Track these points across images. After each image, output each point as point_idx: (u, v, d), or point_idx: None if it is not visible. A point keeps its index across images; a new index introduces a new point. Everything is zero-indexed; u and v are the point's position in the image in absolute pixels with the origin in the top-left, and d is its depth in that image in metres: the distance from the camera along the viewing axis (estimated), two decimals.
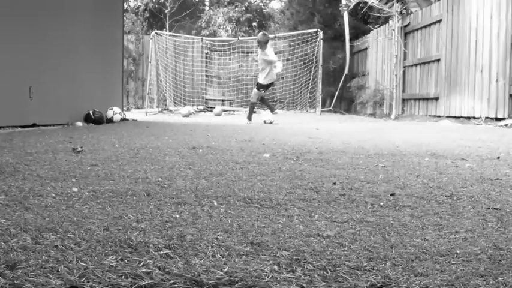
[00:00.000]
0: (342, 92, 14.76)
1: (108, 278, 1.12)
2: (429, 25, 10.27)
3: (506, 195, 2.19)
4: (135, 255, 1.28)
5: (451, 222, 1.70)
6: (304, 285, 1.11)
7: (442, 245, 1.42)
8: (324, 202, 1.99)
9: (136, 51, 16.81)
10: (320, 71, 13.93)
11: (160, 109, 14.48)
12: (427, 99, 10.34)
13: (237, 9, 20.68)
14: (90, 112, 7.62)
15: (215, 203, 1.93)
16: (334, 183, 2.41)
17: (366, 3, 12.52)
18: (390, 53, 11.88)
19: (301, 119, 11.45)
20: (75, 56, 7.60)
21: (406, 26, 11.31)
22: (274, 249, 1.35)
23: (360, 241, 1.45)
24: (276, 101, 15.75)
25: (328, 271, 1.19)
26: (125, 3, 16.52)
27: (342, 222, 1.67)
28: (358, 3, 12.92)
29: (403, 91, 11.51)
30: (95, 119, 7.58)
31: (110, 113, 8.06)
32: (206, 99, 16.41)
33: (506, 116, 7.71)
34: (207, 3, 24.82)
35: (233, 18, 20.39)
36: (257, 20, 22.04)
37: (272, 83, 9.42)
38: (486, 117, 8.20)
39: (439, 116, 9.70)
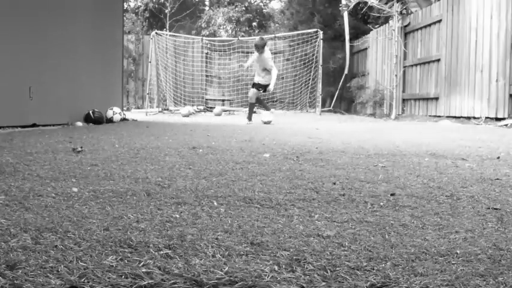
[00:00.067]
0: (342, 92, 14.76)
1: (108, 278, 1.12)
2: (429, 25, 10.28)
3: (506, 195, 2.19)
4: (135, 255, 1.28)
5: (451, 222, 1.70)
6: (304, 285, 1.11)
7: (442, 245, 1.42)
8: (324, 202, 1.99)
9: (136, 51, 16.81)
10: (320, 71, 13.93)
11: (160, 109, 14.48)
12: (427, 99, 10.34)
13: (237, 9, 20.69)
14: (90, 112, 7.62)
15: (215, 203, 1.93)
16: (334, 183, 2.41)
17: (366, 3, 12.52)
18: (390, 53, 11.88)
19: (301, 119, 11.45)
20: (75, 56, 7.60)
21: (406, 26, 11.31)
22: (274, 249, 1.35)
23: (360, 241, 1.45)
24: (276, 101, 15.75)
25: (328, 271, 1.19)
26: (124, 3, 16.52)
27: (342, 222, 1.67)
28: (358, 3, 12.92)
29: (403, 91, 11.51)
30: (95, 119, 7.59)
31: (110, 113, 8.06)
32: (206, 99, 16.41)
33: (506, 116, 7.71)
34: (207, 3, 24.83)
35: (233, 18, 20.40)
36: (257, 20, 22.05)
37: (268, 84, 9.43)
38: (486, 117, 8.20)
39: (439, 116, 9.71)
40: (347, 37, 14.15)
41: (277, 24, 21.10)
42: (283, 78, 15.48)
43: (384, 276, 1.17)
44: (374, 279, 1.15)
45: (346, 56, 14.31)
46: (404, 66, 11.39)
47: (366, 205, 1.95)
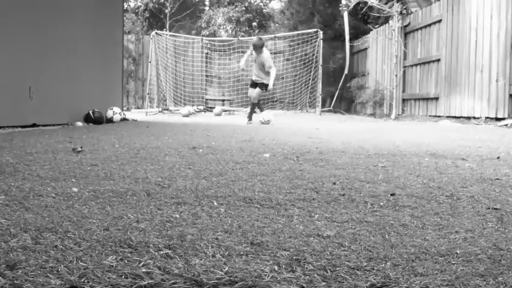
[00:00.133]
0: (342, 92, 14.76)
1: (108, 278, 1.12)
2: (429, 25, 10.27)
3: (506, 195, 2.19)
4: (135, 255, 1.28)
5: (451, 222, 1.70)
6: (304, 285, 1.11)
7: (442, 245, 1.42)
8: (324, 202, 1.99)
9: (136, 51, 16.81)
10: (320, 71, 13.93)
11: (160, 109, 14.48)
12: (427, 99, 10.34)
13: (237, 9, 20.69)
14: (90, 112, 7.62)
15: (215, 203, 1.93)
16: (334, 183, 2.41)
17: (366, 3, 12.52)
18: (390, 53, 11.88)
19: (301, 119, 11.45)
20: (75, 55, 7.60)
21: (406, 26, 11.31)
22: (274, 249, 1.35)
23: (360, 241, 1.45)
24: (276, 101, 15.76)
25: (328, 271, 1.19)
26: (124, 3, 16.52)
27: (342, 222, 1.67)
28: (358, 3, 12.92)
29: (403, 91, 11.51)
30: (95, 119, 7.59)
31: (110, 113, 8.06)
32: (206, 99, 16.41)
33: (506, 116, 7.71)
34: (207, 3, 24.83)
35: (233, 18, 20.40)
36: (257, 20, 22.05)
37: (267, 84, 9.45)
38: (486, 117, 8.20)
39: (439, 116, 9.71)
40: (347, 37, 14.15)
41: (277, 24, 21.10)
42: (283, 78, 15.48)
43: (383, 276, 1.17)
44: (374, 279, 1.15)
45: (346, 56, 14.31)
46: (404, 66, 11.39)
47: (366, 205, 1.95)
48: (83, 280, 1.10)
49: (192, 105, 15.02)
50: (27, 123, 6.40)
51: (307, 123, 9.20)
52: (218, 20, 20.55)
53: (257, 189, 2.23)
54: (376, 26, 13.92)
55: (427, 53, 10.38)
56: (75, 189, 2.13)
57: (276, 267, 1.21)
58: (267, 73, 9.07)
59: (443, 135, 5.86)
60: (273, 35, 16.01)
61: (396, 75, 11.46)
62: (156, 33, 14.74)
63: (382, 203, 1.98)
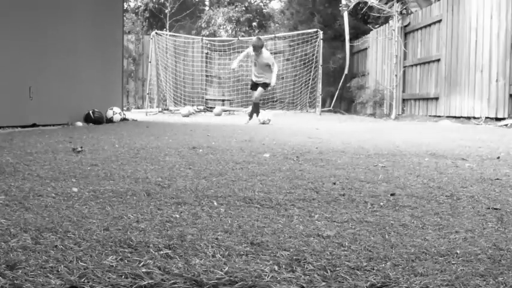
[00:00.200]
0: (342, 92, 14.76)
1: (108, 278, 1.12)
2: (429, 25, 10.28)
3: (506, 195, 2.19)
4: (135, 255, 1.28)
5: (451, 222, 1.70)
6: (304, 285, 1.11)
7: (442, 245, 1.42)
8: (324, 202, 1.99)
9: (136, 51, 16.81)
10: (320, 71, 13.93)
11: (160, 109, 14.48)
12: (427, 99, 10.34)
13: (237, 9, 20.69)
14: (90, 112, 7.62)
15: (215, 203, 1.93)
16: (334, 183, 2.41)
17: (366, 3, 12.52)
18: (390, 53, 11.88)
19: (301, 119, 11.45)
20: (75, 55, 7.60)
21: (406, 26, 11.31)
22: (274, 249, 1.35)
23: (360, 241, 1.45)
24: (276, 101, 15.75)
25: (328, 271, 1.19)
26: (124, 3, 16.52)
27: (342, 222, 1.67)
28: (358, 3, 12.92)
29: (403, 91, 11.51)
30: (95, 119, 7.59)
31: (110, 113, 8.06)
32: (206, 99, 16.41)
33: (506, 116, 7.71)
34: (207, 3, 24.83)
35: (233, 18, 20.40)
36: (257, 20, 22.05)
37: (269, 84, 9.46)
38: (486, 117, 8.20)
39: (439, 116, 9.71)
40: (347, 37, 14.15)
41: (277, 24, 21.10)
42: (283, 78, 15.47)
43: (384, 276, 1.17)
44: (374, 279, 1.15)
45: (346, 56, 14.31)
46: (404, 66, 11.39)
47: (366, 205, 1.95)
48: (83, 280, 1.10)
49: (192, 105, 15.02)
50: (27, 123, 6.40)
51: (307, 123, 9.20)
52: (218, 20, 20.55)
53: (257, 189, 2.23)
54: (376, 26, 13.92)
55: (427, 53, 10.38)
56: (75, 189, 2.13)
57: (276, 267, 1.21)
58: (270, 72, 9.09)
59: (443, 135, 5.86)
60: (273, 35, 16.01)
61: (396, 75, 11.46)
62: (156, 33, 14.74)
63: (382, 203, 1.98)
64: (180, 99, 15.78)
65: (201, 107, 15.28)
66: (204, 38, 16.79)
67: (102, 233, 1.47)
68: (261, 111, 9.44)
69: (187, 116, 12.37)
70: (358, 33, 14.67)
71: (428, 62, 10.29)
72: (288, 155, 3.59)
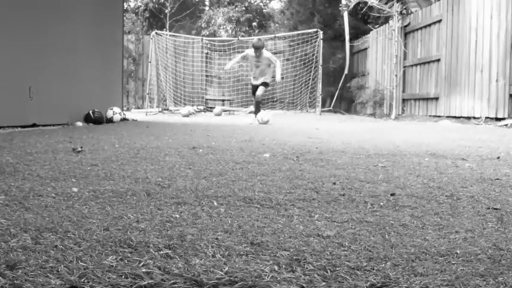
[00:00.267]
0: (342, 92, 14.76)
1: (108, 278, 1.12)
2: (429, 25, 10.28)
3: (506, 195, 2.19)
4: (135, 255, 1.28)
5: (451, 222, 1.70)
6: (304, 285, 1.11)
7: (442, 245, 1.42)
8: (324, 202, 1.99)
9: (136, 51, 16.81)
10: (320, 71, 13.93)
11: (160, 109, 14.48)
12: (427, 99, 10.34)
13: (237, 9, 20.69)
14: (90, 112, 7.62)
15: (215, 203, 1.93)
16: (334, 183, 2.41)
17: (366, 3, 12.52)
18: (390, 53, 11.88)
19: (301, 119, 11.45)
20: (75, 55, 7.60)
21: (406, 26, 11.32)
22: (274, 249, 1.35)
23: (360, 241, 1.45)
24: (276, 101, 15.75)
25: (328, 271, 1.19)
26: (124, 3, 16.52)
27: (342, 222, 1.67)
28: (358, 3, 12.92)
29: (403, 91, 11.51)
30: (95, 119, 7.59)
31: (110, 113, 8.06)
32: (206, 99, 16.41)
33: (506, 116, 7.72)
34: (207, 3, 24.83)
35: (233, 18, 20.40)
36: (257, 20, 22.06)
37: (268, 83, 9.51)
38: (486, 117, 8.20)
39: (439, 116, 9.71)
40: (347, 37, 14.15)
41: (277, 24, 21.10)
42: (283, 78, 15.43)
43: (383, 276, 1.17)
44: (374, 279, 1.15)
45: (346, 56, 14.31)
46: (404, 66, 11.39)
47: (366, 205, 1.95)
48: (83, 280, 1.10)
49: (192, 105, 15.02)
50: (27, 123, 6.40)
51: (307, 123, 9.20)
52: (218, 20, 20.56)
53: (257, 189, 2.23)
54: (376, 26, 13.92)
55: (427, 53, 10.38)
56: (75, 189, 2.13)
57: (276, 267, 1.21)
58: (271, 72, 9.15)
59: (443, 135, 5.86)
60: (273, 35, 16.01)
61: (396, 75, 11.46)
62: (156, 33, 14.74)
63: (382, 203, 1.98)
64: (180, 99, 15.78)
65: (201, 107, 15.28)
66: (204, 38, 16.79)
67: (102, 233, 1.47)
68: (261, 110, 9.45)
69: (187, 116, 12.36)
70: (358, 33, 14.68)
71: (428, 62, 10.29)
72: (288, 155, 3.59)
